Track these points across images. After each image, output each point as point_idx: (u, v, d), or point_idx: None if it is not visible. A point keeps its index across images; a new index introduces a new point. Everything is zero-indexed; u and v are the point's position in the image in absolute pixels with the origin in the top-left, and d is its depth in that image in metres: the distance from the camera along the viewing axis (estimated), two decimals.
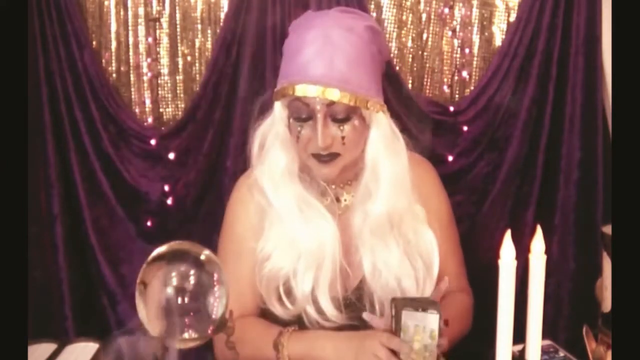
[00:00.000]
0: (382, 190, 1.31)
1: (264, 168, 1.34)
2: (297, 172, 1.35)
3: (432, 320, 1.12)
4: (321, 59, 1.24)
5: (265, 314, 1.39)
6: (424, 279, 1.35)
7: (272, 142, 1.34)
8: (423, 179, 1.42)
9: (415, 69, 1.87)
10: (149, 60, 1.80)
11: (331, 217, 1.34)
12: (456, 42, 1.87)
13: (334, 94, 1.23)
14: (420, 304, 1.14)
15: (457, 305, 1.40)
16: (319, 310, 1.31)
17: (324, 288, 1.31)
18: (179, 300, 0.97)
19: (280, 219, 1.34)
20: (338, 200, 1.39)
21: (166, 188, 1.80)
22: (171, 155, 1.79)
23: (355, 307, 1.35)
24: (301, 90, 1.24)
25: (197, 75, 1.82)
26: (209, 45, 1.80)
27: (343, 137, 1.27)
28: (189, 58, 1.81)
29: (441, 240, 1.39)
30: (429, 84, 1.88)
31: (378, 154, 1.31)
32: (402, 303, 1.16)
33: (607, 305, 1.07)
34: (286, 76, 1.29)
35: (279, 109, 1.32)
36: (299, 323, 1.33)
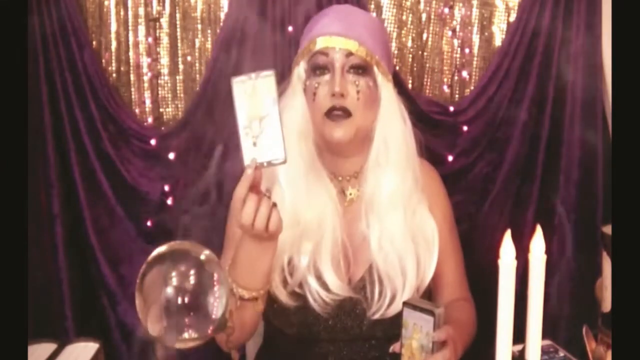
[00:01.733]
0: (392, 163, 1.35)
1: None
2: (312, 136, 1.36)
3: (426, 321, 1.14)
4: (341, 21, 1.36)
5: (272, 310, 1.38)
6: (425, 263, 1.36)
7: (287, 110, 1.34)
8: (428, 184, 1.43)
9: (415, 69, 1.86)
10: (149, 60, 1.80)
11: (334, 192, 1.36)
12: (456, 42, 1.87)
13: (352, 45, 1.32)
14: (423, 305, 1.16)
15: (462, 314, 1.40)
16: (322, 284, 1.31)
17: (325, 258, 1.32)
18: (179, 300, 0.97)
19: (282, 200, 1.33)
20: (343, 193, 1.39)
21: (166, 188, 1.80)
22: (171, 155, 1.79)
23: (360, 281, 1.35)
24: (322, 41, 1.34)
25: (197, 75, 1.81)
26: (209, 45, 1.80)
27: (358, 92, 1.32)
28: (189, 58, 1.81)
29: (444, 246, 1.40)
30: (429, 84, 1.88)
31: (387, 127, 1.35)
32: (409, 301, 1.18)
33: (607, 305, 1.07)
34: (307, 40, 1.37)
35: (296, 75, 1.37)
36: (304, 306, 1.32)
